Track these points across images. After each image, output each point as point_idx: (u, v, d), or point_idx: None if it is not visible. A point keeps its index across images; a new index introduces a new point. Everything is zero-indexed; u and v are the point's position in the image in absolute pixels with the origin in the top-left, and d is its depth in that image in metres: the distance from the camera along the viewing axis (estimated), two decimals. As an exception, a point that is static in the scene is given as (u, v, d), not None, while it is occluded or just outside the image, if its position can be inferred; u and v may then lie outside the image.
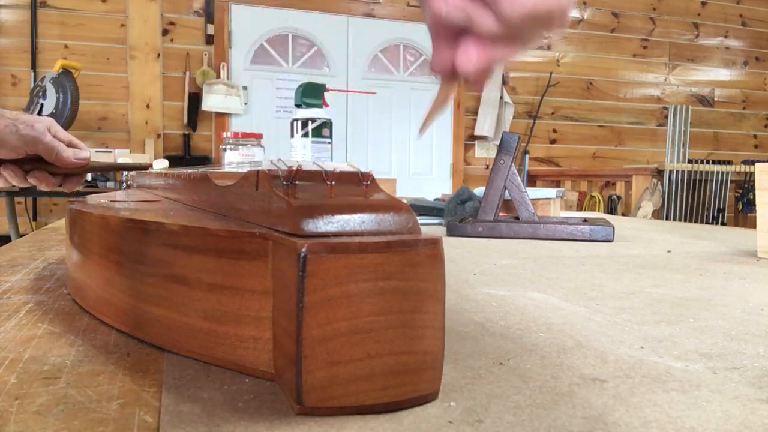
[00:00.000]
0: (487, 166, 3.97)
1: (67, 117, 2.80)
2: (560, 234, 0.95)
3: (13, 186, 0.65)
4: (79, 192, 2.34)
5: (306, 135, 1.30)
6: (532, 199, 1.05)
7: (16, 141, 0.58)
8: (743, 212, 3.91)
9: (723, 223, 3.55)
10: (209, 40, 3.47)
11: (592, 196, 3.68)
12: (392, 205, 0.30)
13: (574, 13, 4.16)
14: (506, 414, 0.27)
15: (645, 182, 3.34)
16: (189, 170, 0.55)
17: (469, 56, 0.31)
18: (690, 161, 3.54)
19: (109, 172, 2.62)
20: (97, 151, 2.80)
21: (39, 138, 0.59)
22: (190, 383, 0.30)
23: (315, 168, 0.32)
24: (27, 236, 0.95)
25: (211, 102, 3.42)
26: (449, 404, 0.28)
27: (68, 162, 0.62)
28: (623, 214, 3.35)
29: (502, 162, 1.01)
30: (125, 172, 1.25)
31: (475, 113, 3.95)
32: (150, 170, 0.73)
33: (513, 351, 0.36)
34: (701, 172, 3.52)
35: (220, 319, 0.31)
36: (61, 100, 2.80)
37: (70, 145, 0.64)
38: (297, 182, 0.31)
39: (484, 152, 4.03)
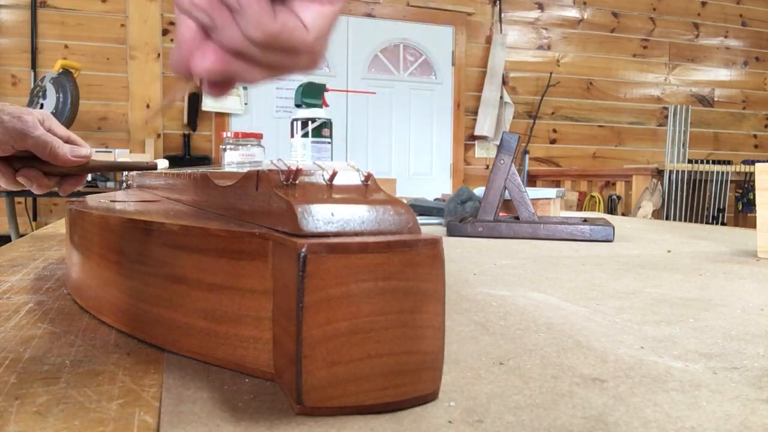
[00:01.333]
0: (487, 166, 3.97)
1: (67, 117, 2.80)
2: (560, 234, 0.95)
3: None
4: (79, 192, 2.34)
5: (306, 135, 1.30)
6: (532, 199, 1.05)
7: None
8: (743, 212, 3.91)
9: (723, 223, 3.55)
10: (209, 40, 3.47)
11: (592, 196, 3.68)
12: (392, 205, 0.30)
13: (574, 13, 4.16)
14: (506, 414, 0.27)
15: (645, 182, 3.34)
16: (189, 170, 0.55)
17: (204, 58, 0.29)
18: (690, 161, 3.54)
19: (109, 172, 2.62)
20: (97, 151, 2.79)
21: (27, 131, 0.52)
22: (190, 383, 0.30)
23: (315, 168, 0.32)
24: (27, 236, 0.95)
25: (210, 102, 3.42)
26: (449, 404, 0.28)
27: (64, 159, 0.55)
28: (623, 214, 3.35)
29: (502, 162, 1.01)
30: (125, 172, 1.25)
31: (475, 113, 3.95)
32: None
33: (513, 351, 0.36)
34: (701, 172, 3.51)
35: (220, 319, 0.31)
36: (61, 100, 2.80)
37: (68, 141, 0.56)
38: (297, 182, 0.31)
39: (484, 152, 4.02)
